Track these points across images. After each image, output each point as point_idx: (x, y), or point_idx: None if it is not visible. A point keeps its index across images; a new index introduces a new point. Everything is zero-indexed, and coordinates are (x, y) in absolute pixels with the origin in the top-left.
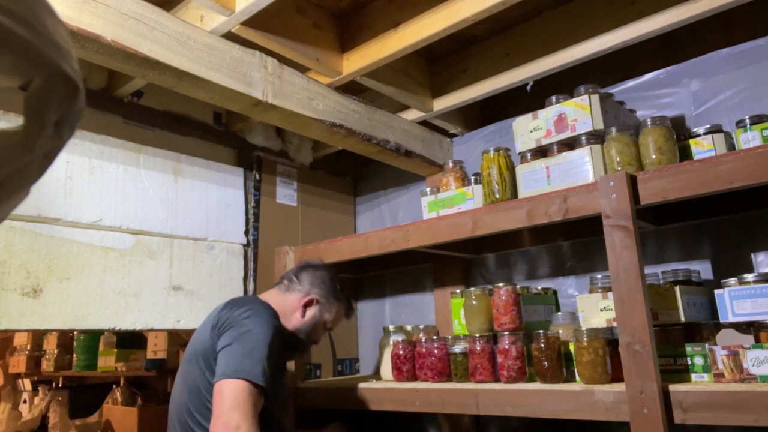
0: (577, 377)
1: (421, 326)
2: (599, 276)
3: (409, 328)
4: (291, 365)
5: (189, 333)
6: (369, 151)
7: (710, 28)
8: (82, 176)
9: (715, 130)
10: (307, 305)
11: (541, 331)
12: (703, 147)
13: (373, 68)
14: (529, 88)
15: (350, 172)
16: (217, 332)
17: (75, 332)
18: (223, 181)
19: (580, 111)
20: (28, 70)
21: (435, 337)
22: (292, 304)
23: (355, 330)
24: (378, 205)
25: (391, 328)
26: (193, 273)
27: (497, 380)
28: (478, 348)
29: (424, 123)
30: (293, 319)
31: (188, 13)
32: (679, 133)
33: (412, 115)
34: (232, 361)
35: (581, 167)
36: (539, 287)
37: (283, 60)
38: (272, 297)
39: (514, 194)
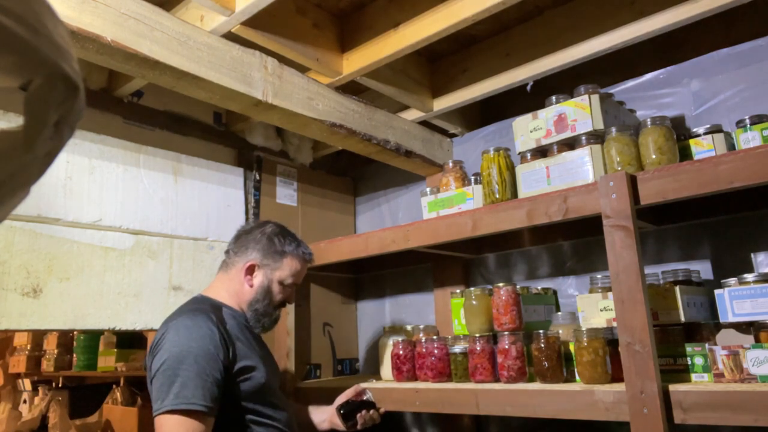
0: (577, 377)
1: (421, 326)
2: (599, 276)
3: (409, 328)
4: (291, 366)
5: None
6: (369, 151)
7: (710, 28)
8: (82, 176)
9: (715, 130)
10: (248, 273)
11: (541, 331)
12: (703, 147)
13: (373, 68)
14: (529, 88)
15: (350, 172)
16: (150, 357)
17: (75, 332)
18: (223, 181)
19: (580, 111)
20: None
21: (435, 337)
22: (237, 280)
23: (355, 330)
24: (378, 205)
25: (391, 328)
26: (193, 273)
27: (497, 380)
28: (478, 348)
29: (424, 123)
30: (246, 293)
31: (188, 13)
32: (679, 133)
33: (412, 115)
34: (158, 395)
35: (581, 167)
36: (539, 287)
37: (283, 60)
38: (218, 283)
39: (514, 194)
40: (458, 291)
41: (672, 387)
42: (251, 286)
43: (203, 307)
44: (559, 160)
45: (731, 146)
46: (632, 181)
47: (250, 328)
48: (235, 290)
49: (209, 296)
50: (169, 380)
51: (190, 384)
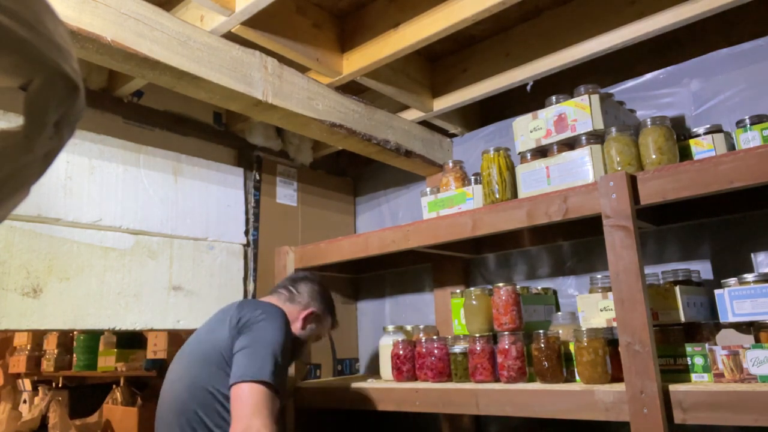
0: (577, 377)
1: (421, 326)
2: (599, 276)
3: (409, 328)
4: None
5: (189, 333)
6: (369, 151)
7: (710, 28)
8: (82, 176)
9: (715, 130)
10: (306, 318)
11: (541, 331)
12: (703, 147)
13: (373, 68)
14: (529, 88)
15: (350, 172)
16: (236, 332)
17: (75, 332)
18: (223, 181)
19: (580, 111)
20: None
21: (435, 337)
22: (292, 315)
23: (355, 330)
24: (378, 205)
25: (391, 328)
26: (193, 273)
27: (497, 380)
28: (478, 348)
29: (424, 123)
30: (294, 329)
31: (188, 13)
32: (679, 133)
33: (412, 115)
34: (251, 363)
35: (581, 167)
36: (539, 287)
37: (283, 60)
38: (276, 304)
39: (514, 194)
40: (458, 291)
41: (672, 387)
42: (303, 328)
43: (286, 316)
44: (559, 160)
45: (731, 146)
46: (632, 181)
47: None
48: (291, 316)
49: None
50: (267, 356)
51: (280, 368)
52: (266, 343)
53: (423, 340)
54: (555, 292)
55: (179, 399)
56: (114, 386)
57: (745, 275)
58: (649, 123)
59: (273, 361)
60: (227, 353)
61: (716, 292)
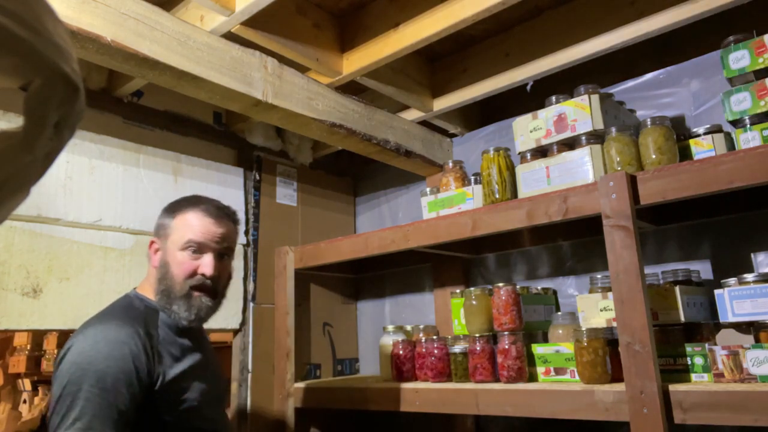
0: (577, 377)
1: (421, 326)
2: (599, 276)
3: (409, 328)
4: (291, 366)
5: None
6: (369, 151)
7: (710, 28)
8: (82, 176)
9: (715, 130)
10: (153, 254)
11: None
12: (703, 147)
13: (373, 68)
14: (529, 88)
15: (350, 172)
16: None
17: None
18: (223, 181)
19: (580, 111)
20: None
21: (435, 337)
22: (151, 266)
23: (355, 330)
24: (378, 205)
25: (391, 328)
26: None
27: (497, 380)
28: (478, 348)
29: (424, 123)
30: (153, 279)
31: (188, 13)
32: (679, 133)
33: (412, 115)
34: (54, 424)
35: (581, 167)
36: (539, 287)
37: (283, 60)
38: (145, 281)
39: (514, 194)
40: (458, 291)
41: (672, 387)
42: (155, 266)
43: (117, 326)
44: (559, 160)
45: (731, 146)
46: (632, 181)
47: (185, 330)
48: (150, 282)
49: (144, 295)
50: (65, 409)
51: (115, 411)
52: (76, 404)
53: (423, 340)
54: (555, 292)
55: None
56: None
57: (745, 275)
58: (649, 123)
59: (82, 408)
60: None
61: (716, 292)
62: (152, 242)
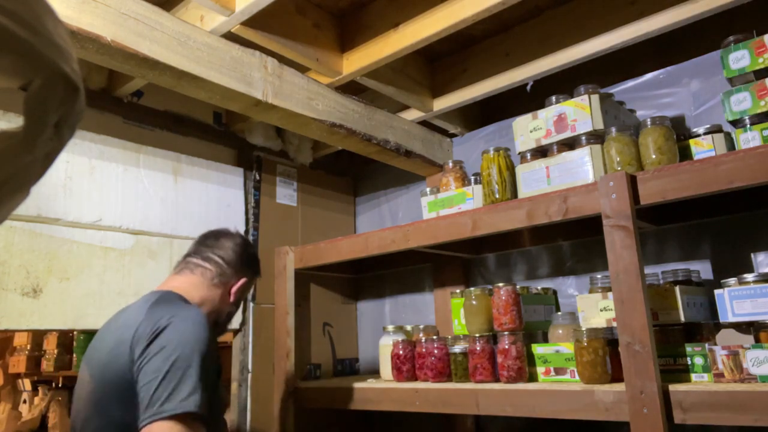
0: (577, 377)
1: (421, 326)
2: (599, 276)
3: (409, 328)
4: (291, 366)
5: None
6: (369, 151)
7: (710, 28)
8: (82, 176)
9: (715, 130)
10: (239, 290)
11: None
12: (703, 147)
13: (373, 68)
14: (529, 88)
15: (350, 172)
16: (138, 354)
17: (75, 332)
18: (223, 181)
19: (580, 111)
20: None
21: (435, 337)
22: (217, 293)
23: (355, 330)
24: (378, 205)
25: (391, 328)
26: None
27: (497, 380)
28: (478, 348)
29: (424, 123)
30: (223, 304)
31: (188, 13)
32: (679, 133)
33: (412, 115)
34: (162, 395)
35: (581, 167)
36: (539, 287)
37: (283, 60)
38: (188, 286)
39: (514, 194)
40: (458, 291)
41: (672, 387)
42: (234, 303)
43: (201, 315)
44: (559, 160)
45: (731, 146)
46: (632, 181)
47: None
48: (211, 299)
49: (191, 301)
50: (182, 380)
51: (202, 387)
52: (178, 363)
53: (423, 340)
54: (555, 292)
55: (87, 424)
56: None
57: (745, 275)
58: (649, 123)
59: (189, 384)
60: (130, 382)
61: (716, 292)
62: (246, 282)
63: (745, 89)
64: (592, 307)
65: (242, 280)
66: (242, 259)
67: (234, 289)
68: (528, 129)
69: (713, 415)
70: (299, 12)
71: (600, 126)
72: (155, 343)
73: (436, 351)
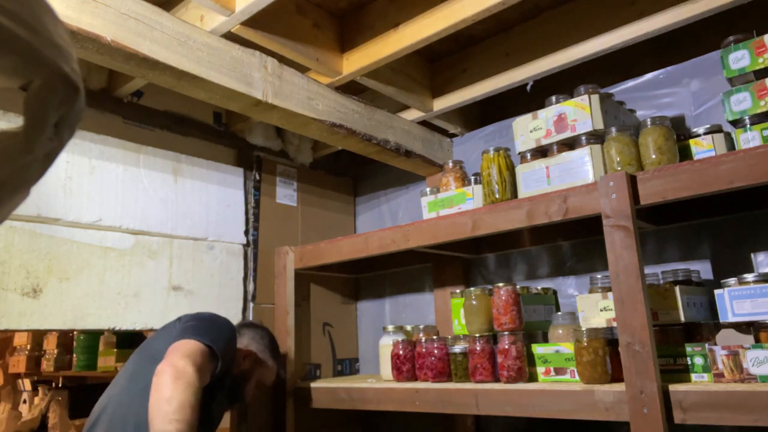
0: (577, 377)
1: (421, 326)
2: (599, 276)
3: (409, 328)
4: (291, 366)
5: None
6: (369, 151)
7: (710, 28)
8: (82, 176)
9: (715, 130)
10: (245, 357)
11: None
12: (703, 147)
13: (373, 68)
14: (529, 88)
15: (350, 172)
16: (179, 330)
17: (75, 332)
18: (223, 181)
19: (580, 111)
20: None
21: (435, 337)
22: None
23: (355, 330)
24: (378, 205)
25: (391, 328)
26: (193, 273)
27: (497, 380)
28: (478, 348)
29: (424, 123)
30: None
31: (188, 13)
32: (679, 133)
33: (412, 115)
34: (190, 331)
35: (581, 167)
36: (539, 287)
37: (283, 60)
38: None
39: (514, 194)
40: (458, 291)
41: (672, 387)
42: (242, 366)
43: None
44: (559, 160)
45: (731, 146)
46: (632, 181)
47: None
48: None
49: None
50: (208, 329)
51: (222, 344)
52: (208, 323)
53: (423, 340)
54: (555, 292)
55: (132, 400)
56: None
57: (745, 275)
58: (649, 123)
59: (213, 332)
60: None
61: (716, 292)
62: (251, 354)
63: (745, 89)
64: (592, 307)
65: (248, 350)
66: (254, 335)
67: (242, 354)
68: (528, 129)
69: (713, 415)
70: (299, 12)
71: (600, 126)
72: (195, 318)
73: (436, 351)
